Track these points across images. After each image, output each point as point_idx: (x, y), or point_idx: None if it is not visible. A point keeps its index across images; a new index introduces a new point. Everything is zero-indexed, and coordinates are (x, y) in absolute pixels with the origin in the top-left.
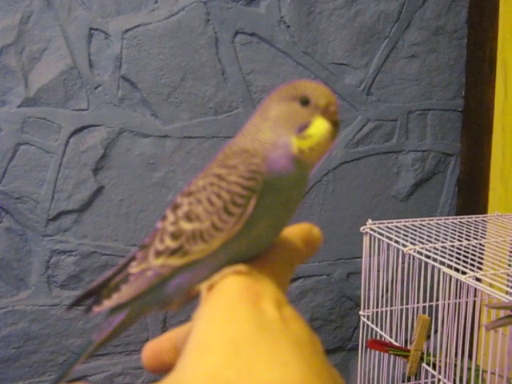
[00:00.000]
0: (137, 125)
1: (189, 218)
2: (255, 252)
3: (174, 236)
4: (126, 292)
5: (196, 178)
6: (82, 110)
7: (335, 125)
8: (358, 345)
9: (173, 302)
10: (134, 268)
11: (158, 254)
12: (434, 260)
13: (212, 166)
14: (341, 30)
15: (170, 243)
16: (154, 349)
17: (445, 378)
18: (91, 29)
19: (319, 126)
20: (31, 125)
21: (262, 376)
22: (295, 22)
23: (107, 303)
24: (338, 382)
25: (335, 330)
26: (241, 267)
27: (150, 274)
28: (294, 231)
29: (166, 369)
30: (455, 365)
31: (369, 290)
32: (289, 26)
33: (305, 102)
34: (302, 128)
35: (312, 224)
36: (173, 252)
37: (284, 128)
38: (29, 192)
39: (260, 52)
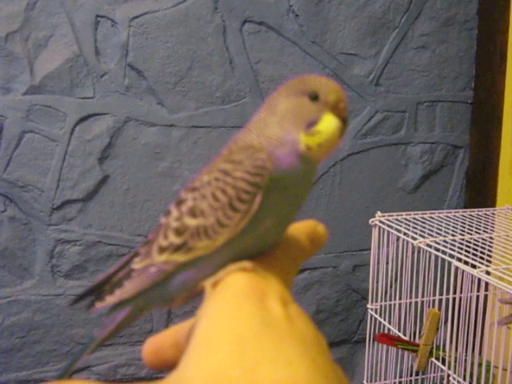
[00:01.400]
0: (143, 114)
1: (193, 213)
2: (261, 249)
3: (178, 232)
4: (128, 288)
5: (200, 173)
6: (88, 98)
7: (344, 121)
8: (363, 337)
9: (176, 298)
10: (137, 264)
11: (162, 250)
12: (444, 253)
13: (217, 161)
14: (350, 20)
15: (173, 239)
16: (154, 345)
17: (454, 373)
18: (98, 16)
19: (328, 123)
20: (36, 113)
21: (267, 375)
22: (304, 11)
23: (110, 299)
24: (342, 380)
25: (341, 322)
26: (246, 264)
27: (154, 271)
28: (299, 228)
29: (166, 366)
30: (465, 360)
31: (377, 282)
32: (297, 15)
33: (314, 97)
34: (311, 124)
35: (317, 221)
36: (177, 248)
37: (292, 124)
38: (33, 181)
39: (268, 41)
